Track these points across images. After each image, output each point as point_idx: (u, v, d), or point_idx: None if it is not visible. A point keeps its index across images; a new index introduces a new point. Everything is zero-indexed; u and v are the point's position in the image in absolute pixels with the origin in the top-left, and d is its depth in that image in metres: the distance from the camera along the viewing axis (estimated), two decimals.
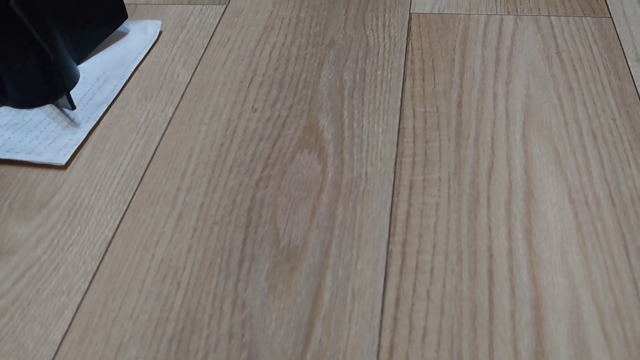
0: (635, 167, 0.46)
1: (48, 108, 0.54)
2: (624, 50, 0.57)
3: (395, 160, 0.48)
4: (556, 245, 0.41)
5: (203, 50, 0.60)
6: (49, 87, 0.53)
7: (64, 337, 0.38)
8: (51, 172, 0.48)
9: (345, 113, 0.52)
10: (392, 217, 0.43)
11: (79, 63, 0.58)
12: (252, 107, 0.53)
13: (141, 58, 0.59)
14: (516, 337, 0.36)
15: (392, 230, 0.43)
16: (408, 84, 0.55)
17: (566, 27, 0.60)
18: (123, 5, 0.60)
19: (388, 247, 0.41)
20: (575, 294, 0.38)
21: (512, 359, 0.35)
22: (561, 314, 0.37)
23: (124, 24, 0.63)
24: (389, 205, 0.44)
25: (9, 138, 0.50)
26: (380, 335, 0.37)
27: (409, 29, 0.61)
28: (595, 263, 0.40)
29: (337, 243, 0.42)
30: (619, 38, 0.58)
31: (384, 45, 0.59)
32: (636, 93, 0.52)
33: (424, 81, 0.55)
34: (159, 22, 0.63)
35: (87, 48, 0.59)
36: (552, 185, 0.45)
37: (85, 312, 0.39)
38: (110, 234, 0.43)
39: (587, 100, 0.52)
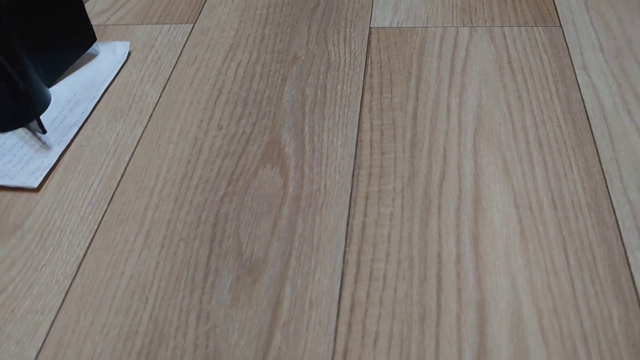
0: (577, 172, 0.48)
1: (21, 132, 0.56)
2: (572, 58, 0.60)
3: (353, 172, 0.50)
4: (501, 249, 0.44)
5: (171, 69, 0.63)
6: (20, 111, 0.55)
7: (38, 353, 0.40)
8: (24, 195, 0.50)
9: (307, 128, 0.55)
10: (349, 228, 0.46)
11: (50, 86, 0.61)
12: (218, 124, 0.56)
13: (111, 79, 0.61)
14: (461, 337, 0.39)
15: (348, 240, 0.45)
16: (367, 97, 0.57)
17: (518, 37, 0.63)
18: (91, 28, 0.62)
19: (344, 257, 0.44)
20: (517, 296, 0.41)
21: (456, 358, 0.38)
22: (503, 315, 0.40)
23: (94, 45, 0.65)
24: (345, 216, 0.47)
25: None
26: (335, 340, 0.39)
27: (369, 43, 0.64)
28: (537, 265, 0.43)
29: (296, 255, 0.44)
30: (567, 46, 0.61)
31: (345, 60, 0.62)
32: (581, 100, 0.55)
33: (381, 94, 0.57)
34: (128, 43, 0.65)
35: (57, 71, 0.61)
36: (499, 192, 0.47)
37: (58, 329, 0.41)
38: (82, 253, 0.46)
39: (535, 108, 0.54)
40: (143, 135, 0.55)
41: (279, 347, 0.39)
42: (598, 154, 0.50)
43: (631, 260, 0.42)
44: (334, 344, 0.39)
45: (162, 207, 0.49)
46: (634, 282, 0.41)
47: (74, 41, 0.61)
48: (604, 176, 0.48)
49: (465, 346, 0.38)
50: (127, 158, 0.53)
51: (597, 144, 0.51)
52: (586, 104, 0.54)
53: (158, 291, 0.43)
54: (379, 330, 0.40)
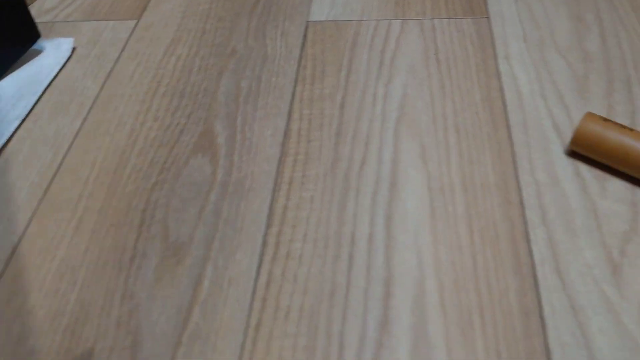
0: (489, 156, 0.51)
1: None
2: (496, 48, 0.63)
3: (280, 159, 0.53)
4: (411, 228, 0.46)
5: (113, 64, 0.65)
6: None
7: None
8: None
9: (239, 118, 0.57)
10: (271, 211, 0.49)
11: None
12: (154, 116, 0.58)
13: (54, 74, 0.64)
14: (366, 310, 0.42)
15: (269, 222, 0.48)
16: (298, 88, 0.60)
17: (447, 29, 0.66)
18: (35, 26, 0.64)
19: (264, 238, 0.47)
20: (422, 271, 0.44)
21: (360, 328, 0.41)
22: (407, 289, 0.43)
23: (39, 42, 0.67)
24: (269, 200, 0.49)
25: None
26: (249, 315, 0.42)
27: (305, 36, 0.66)
28: (443, 243, 0.45)
29: (220, 237, 0.47)
30: (493, 37, 0.64)
31: (281, 53, 0.64)
32: (500, 88, 0.58)
33: (313, 85, 0.60)
34: (72, 40, 0.67)
35: (1, 68, 0.63)
36: (414, 176, 0.50)
37: None
38: (16, 240, 0.48)
39: (455, 97, 0.57)
40: (82, 127, 0.57)
41: (197, 323, 0.42)
42: (511, 138, 0.53)
43: (531, 236, 0.45)
44: (248, 318, 0.42)
45: (95, 195, 0.51)
46: (531, 256, 0.44)
47: (17, 39, 0.63)
48: (515, 159, 0.51)
49: (370, 318, 0.41)
50: (64, 149, 0.55)
51: (511, 128, 0.54)
52: (504, 92, 0.57)
53: (86, 274, 0.45)
54: (291, 304, 0.42)
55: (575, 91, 0.57)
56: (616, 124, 0.48)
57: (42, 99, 0.61)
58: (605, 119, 0.49)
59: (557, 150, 0.51)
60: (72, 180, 0.53)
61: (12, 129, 0.57)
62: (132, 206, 0.50)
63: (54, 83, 0.63)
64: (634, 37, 0.62)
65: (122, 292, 0.44)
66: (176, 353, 0.40)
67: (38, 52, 0.67)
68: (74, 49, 0.67)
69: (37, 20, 0.72)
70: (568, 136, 0.53)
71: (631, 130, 0.48)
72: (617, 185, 0.48)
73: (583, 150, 0.49)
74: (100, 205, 0.50)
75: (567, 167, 0.50)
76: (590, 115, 0.49)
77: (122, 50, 0.67)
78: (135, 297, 0.44)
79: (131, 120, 0.58)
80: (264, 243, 0.46)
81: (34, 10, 0.74)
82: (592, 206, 0.47)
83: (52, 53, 0.66)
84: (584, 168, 0.50)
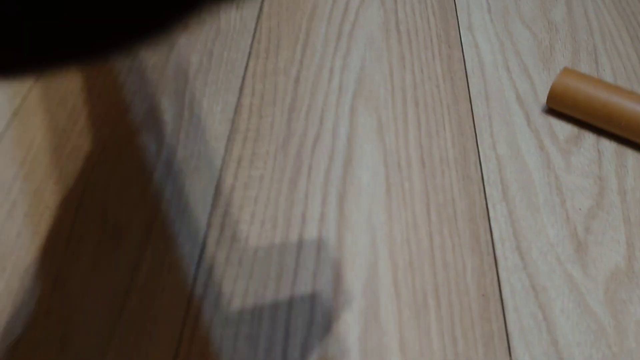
0: (449, 130, 0.49)
1: None
2: (459, 19, 0.60)
3: (229, 137, 0.50)
4: (365, 206, 0.44)
5: None
6: None
7: None
8: None
9: (187, 95, 0.54)
10: (217, 191, 0.46)
11: None
12: (98, 93, 0.55)
13: None
14: (315, 294, 0.39)
15: (215, 203, 0.45)
16: (252, 62, 0.57)
17: (408, 1, 0.63)
18: None
19: (209, 220, 0.44)
20: (375, 251, 0.41)
21: (307, 314, 0.38)
22: (359, 270, 0.40)
23: None
24: (215, 180, 0.46)
25: None
26: (189, 302, 0.39)
27: (261, 9, 0.63)
28: (398, 221, 0.43)
29: (161, 219, 0.44)
30: (455, 7, 0.61)
31: (234, 27, 0.61)
32: (462, 59, 0.55)
33: (267, 59, 0.57)
34: None
35: None
36: (370, 151, 0.48)
37: None
38: None
39: (416, 69, 0.54)
40: (21, 106, 0.54)
41: (133, 311, 0.39)
42: (472, 111, 0.50)
43: (492, 213, 0.43)
44: (188, 306, 0.39)
45: (31, 177, 0.48)
46: (491, 234, 0.42)
47: None
48: (475, 132, 0.48)
49: (318, 302, 0.39)
50: (2, 129, 0.52)
51: (472, 101, 0.51)
52: (467, 63, 0.55)
53: (17, 260, 0.42)
54: (235, 290, 0.40)
55: (540, 62, 0.54)
56: (593, 77, 0.46)
57: None
58: (582, 74, 0.46)
59: (520, 122, 0.49)
60: (8, 161, 0.49)
61: None
62: (70, 188, 0.47)
63: None
64: (601, 7, 0.60)
65: (54, 279, 0.41)
66: (109, 344, 0.37)
67: None
68: None
69: None
70: (532, 108, 0.50)
71: (608, 83, 0.45)
72: (582, 159, 0.46)
73: (559, 105, 0.47)
74: (36, 187, 0.47)
75: (530, 141, 0.47)
76: (567, 70, 0.47)
77: None
78: (68, 284, 0.41)
79: (73, 97, 0.55)
80: (209, 225, 0.43)
81: None
82: (555, 181, 0.45)
83: None
84: (548, 142, 0.47)
